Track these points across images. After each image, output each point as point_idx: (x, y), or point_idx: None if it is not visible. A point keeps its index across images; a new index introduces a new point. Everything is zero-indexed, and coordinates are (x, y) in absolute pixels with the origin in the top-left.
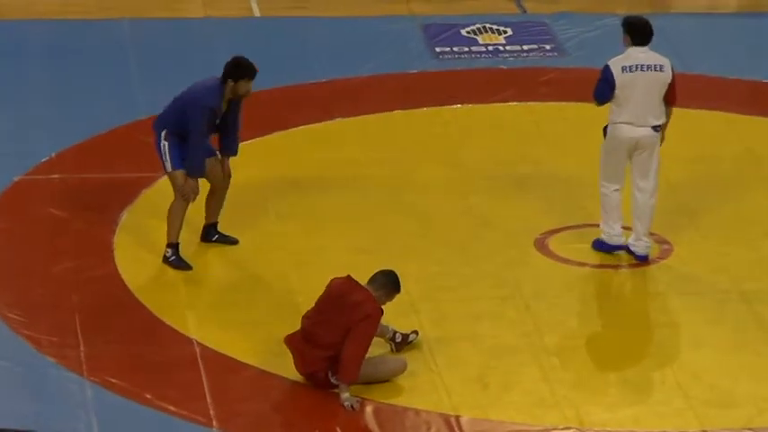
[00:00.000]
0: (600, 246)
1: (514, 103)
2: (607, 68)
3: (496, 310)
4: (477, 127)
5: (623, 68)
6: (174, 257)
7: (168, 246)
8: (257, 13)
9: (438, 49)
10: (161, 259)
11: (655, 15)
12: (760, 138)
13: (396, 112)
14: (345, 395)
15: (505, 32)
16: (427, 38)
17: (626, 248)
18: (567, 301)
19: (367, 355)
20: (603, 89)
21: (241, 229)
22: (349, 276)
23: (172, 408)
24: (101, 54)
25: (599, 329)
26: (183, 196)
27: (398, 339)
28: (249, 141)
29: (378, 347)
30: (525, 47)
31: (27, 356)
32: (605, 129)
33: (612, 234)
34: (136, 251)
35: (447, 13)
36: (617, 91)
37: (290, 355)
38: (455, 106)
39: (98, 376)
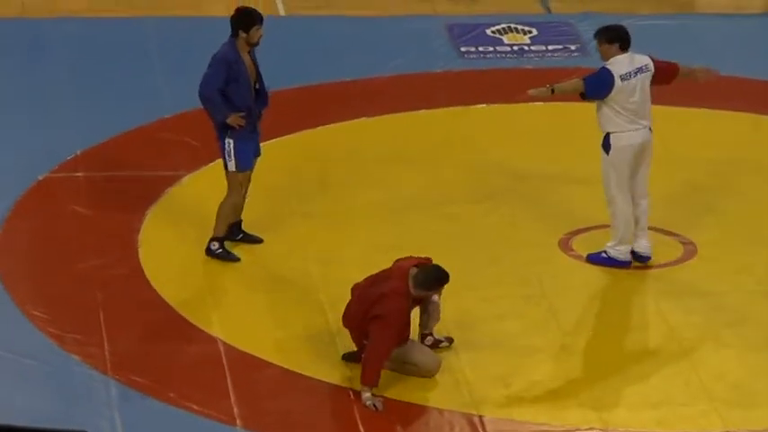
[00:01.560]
0: (608, 262)
1: (539, 104)
2: (608, 71)
3: (520, 309)
4: (501, 127)
5: (622, 77)
6: (220, 250)
7: (215, 239)
8: (282, 12)
9: (463, 49)
10: (185, 257)
11: (680, 15)
12: None
13: (421, 111)
14: (366, 395)
15: (530, 32)
16: (452, 37)
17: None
18: (591, 302)
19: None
20: (600, 90)
21: (266, 226)
22: (411, 264)
23: (195, 406)
24: (125, 52)
25: (622, 330)
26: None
27: (428, 342)
28: (275, 140)
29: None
30: (550, 47)
31: (52, 354)
32: (606, 142)
33: (627, 251)
34: (160, 249)
35: (472, 12)
36: (616, 97)
37: (312, 354)
38: (480, 106)
39: (122, 374)
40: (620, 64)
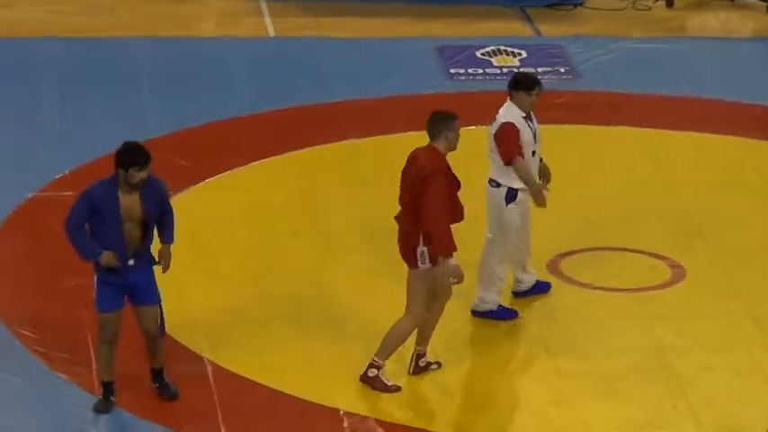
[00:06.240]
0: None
1: None
2: None
3: (508, 331)
4: None
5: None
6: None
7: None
8: (272, 33)
9: (452, 71)
10: (173, 276)
11: (671, 39)
12: None
13: (409, 132)
14: (451, 262)
15: (520, 55)
16: (442, 59)
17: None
18: (579, 324)
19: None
20: None
21: (252, 247)
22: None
23: (182, 427)
24: (114, 72)
25: (610, 352)
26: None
27: (422, 364)
28: (263, 161)
29: (395, 364)
30: (540, 69)
31: (39, 373)
32: None
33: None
34: None
35: (462, 34)
36: None
37: (300, 375)
38: (469, 128)
39: None
40: None
